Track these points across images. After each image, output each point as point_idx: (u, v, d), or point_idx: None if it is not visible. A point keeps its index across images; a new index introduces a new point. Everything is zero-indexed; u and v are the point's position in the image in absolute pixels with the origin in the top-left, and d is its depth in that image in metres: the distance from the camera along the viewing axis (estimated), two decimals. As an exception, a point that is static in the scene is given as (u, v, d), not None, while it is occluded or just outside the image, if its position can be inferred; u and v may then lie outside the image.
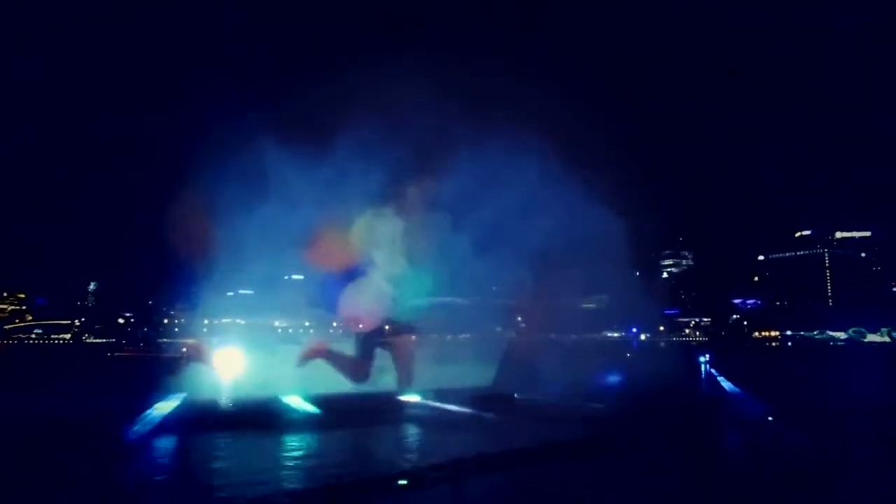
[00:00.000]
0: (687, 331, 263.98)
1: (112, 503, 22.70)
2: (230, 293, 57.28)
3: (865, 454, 30.47)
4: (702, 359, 64.07)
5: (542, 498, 22.87)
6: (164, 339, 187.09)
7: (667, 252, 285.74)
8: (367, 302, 52.77)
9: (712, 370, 59.77)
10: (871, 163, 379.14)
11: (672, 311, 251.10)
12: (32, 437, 31.48)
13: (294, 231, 52.37)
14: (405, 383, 48.90)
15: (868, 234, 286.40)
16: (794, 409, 40.75)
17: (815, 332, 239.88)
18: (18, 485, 23.72)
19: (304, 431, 35.95)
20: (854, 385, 60.05)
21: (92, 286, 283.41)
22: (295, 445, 32.81)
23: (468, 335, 66.07)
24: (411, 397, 45.43)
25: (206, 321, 68.88)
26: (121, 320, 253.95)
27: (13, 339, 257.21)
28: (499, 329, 69.56)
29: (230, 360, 50.94)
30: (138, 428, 32.91)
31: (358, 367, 50.59)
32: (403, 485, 22.54)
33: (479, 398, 43.36)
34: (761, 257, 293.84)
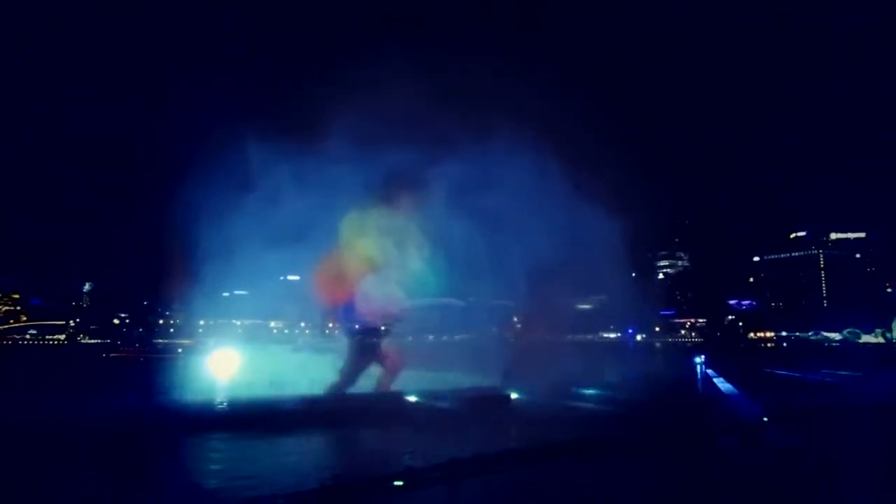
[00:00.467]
0: (683, 332, 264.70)
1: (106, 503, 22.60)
2: (226, 294, 57.12)
3: (855, 453, 30.63)
4: (697, 360, 64.12)
5: (536, 499, 22.88)
6: (160, 340, 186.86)
7: (663, 253, 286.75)
8: (364, 304, 52.61)
9: (708, 371, 59.90)
10: (865, 164, 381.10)
11: (668, 312, 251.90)
12: (25, 439, 31.29)
13: (290, 231, 52.29)
14: (386, 384, 48.68)
15: (863, 235, 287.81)
16: (789, 410, 40.90)
17: (810, 333, 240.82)
18: (8, 488, 23.58)
19: (297, 431, 35.89)
20: (850, 385, 60.22)
21: (87, 287, 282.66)
22: (290, 445, 32.77)
23: (464, 336, 66.10)
24: (409, 397, 45.39)
25: (201, 322, 68.78)
26: (116, 321, 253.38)
27: (7, 340, 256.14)
28: (495, 330, 69.54)
29: (226, 360, 50.86)
30: (133, 428, 32.82)
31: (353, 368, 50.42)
32: (398, 486, 22.50)
33: (475, 398, 43.36)
34: (757, 258, 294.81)
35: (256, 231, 50.95)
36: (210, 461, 29.14)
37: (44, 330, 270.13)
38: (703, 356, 65.78)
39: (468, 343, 63.73)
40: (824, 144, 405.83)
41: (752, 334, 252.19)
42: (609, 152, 63.82)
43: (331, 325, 63.69)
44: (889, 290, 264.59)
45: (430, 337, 58.93)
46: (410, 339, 57.24)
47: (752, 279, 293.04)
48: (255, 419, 37.33)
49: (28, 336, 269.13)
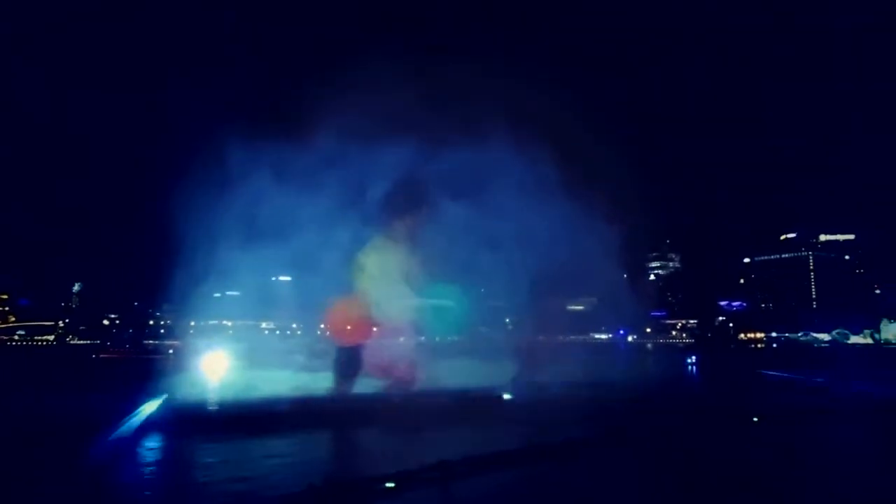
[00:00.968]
0: (674, 333, 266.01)
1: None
2: (217, 294, 56.88)
3: (842, 452, 30.91)
4: (688, 360, 64.58)
5: (529, 499, 22.95)
6: (151, 341, 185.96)
7: (654, 254, 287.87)
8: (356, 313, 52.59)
9: (698, 371, 60.28)
10: (855, 167, 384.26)
11: (659, 313, 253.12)
12: (8, 441, 31.05)
13: (283, 231, 52.19)
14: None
15: (852, 236, 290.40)
16: (778, 409, 41.21)
17: (799, 334, 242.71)
18: None
19: (289, 432, 35.82)
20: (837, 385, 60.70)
21: (76, 287, 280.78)
22: (281, 447, 32.68)
23: (455, 337, 66.12)
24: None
25: (192, 323, 68.44)
26: (106, 322, 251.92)
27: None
28: (486, 330, 69.59)
29: (217, 362, 50.68)
30: (120, 431, 32.59)
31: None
32: (390, 487, 22.50)
33: (467, 399, 43.40)
34: (747, 260, 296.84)
35: (248, 231, 50.83)
36: (199, 463, 29.02)
37: (32, 331, 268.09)
38: (693, 357, 66.21)
39: (460, 344, 63.79)
40: (814, 147, 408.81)
41: (742, 335, 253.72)
42: (601, 154, 63.91)
43: (323, 326, 63.59)
44: (878, 291, 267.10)
45: (422, 338, 58.87)
46: (401, 340, 57.25)
47: (742, 280, 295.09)
48: (245, 420, 37.24)
49: (16, 337, 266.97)
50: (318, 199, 53.47)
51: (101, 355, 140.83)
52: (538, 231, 57.30)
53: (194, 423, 36.20)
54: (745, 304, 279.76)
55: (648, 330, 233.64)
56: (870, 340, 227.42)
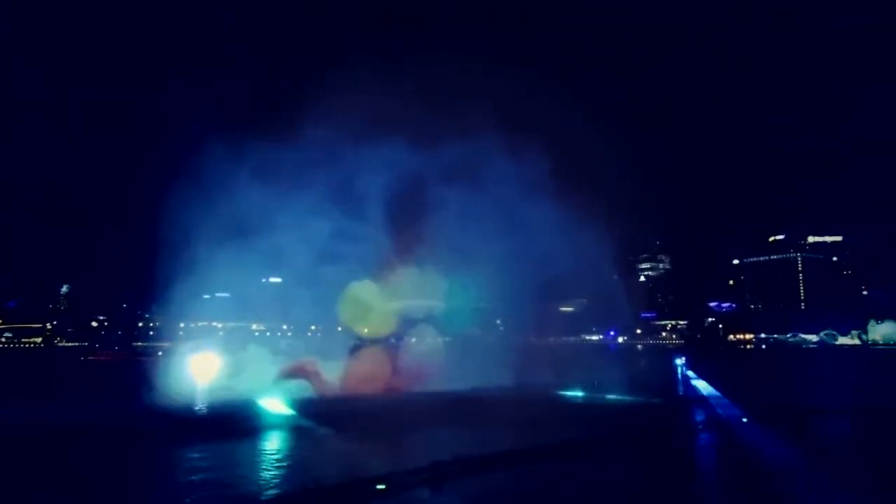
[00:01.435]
0: (664, 334, 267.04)
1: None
2: (207, 296, 56.61)
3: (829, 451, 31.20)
4: (678, 361, 64.80)
5: (516, 499, 23.01)
6: (140, 343, 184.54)
7: (644, 256, 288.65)
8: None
9: (689, 372, 60.50)
10: (843, 168, 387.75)
11: (649, 315, 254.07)
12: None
13: (273, 233, 52.07)
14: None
15: (839, 238, 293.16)
16: (767, 410, 41.45)
17: (788, 335, 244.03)
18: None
19: (281, 435, 35.69)
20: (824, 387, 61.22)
21: (64, 289, 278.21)
22: (273, 448, 32.57)
23: (448, 339, 66.09)
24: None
25: (182, 324, 68.06)
26: (94, 324, 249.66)
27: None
28: (478, 332, 69.64)
29: (206, 363, 50.38)
30: (111, 432, 32.39)
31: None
32: (381, 489, 22.47)
33: (458, 401, 43.43)
34: (736, 261, 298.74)
35: (238, 233, 50.66)
36: (191, 464, 28.85)
37: (19, 333, 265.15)
38: (683, 358, 66.42)
39: (453, 345, 63.80)
40: (802, 149, 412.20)
41: (731, 336, 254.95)
42: (592, 157, 64.17)
43: (313, 328, 63.43)
44: (865, 292, 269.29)
45: (413, 339, 58.91)
46: (393, 341, 57.25)
47: (731, 282, 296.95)
48: (234, 422, 37.07)
49: (3, 339, 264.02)
50: (309, 200, 53.42)
51: (90, 358, 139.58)
52: (530, 233, 57.46)
53: (186, 424, 36.11)
54: (734, 306, 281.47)
55: (639, 331, 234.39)
56: (857, 342, 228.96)
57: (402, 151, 54.27)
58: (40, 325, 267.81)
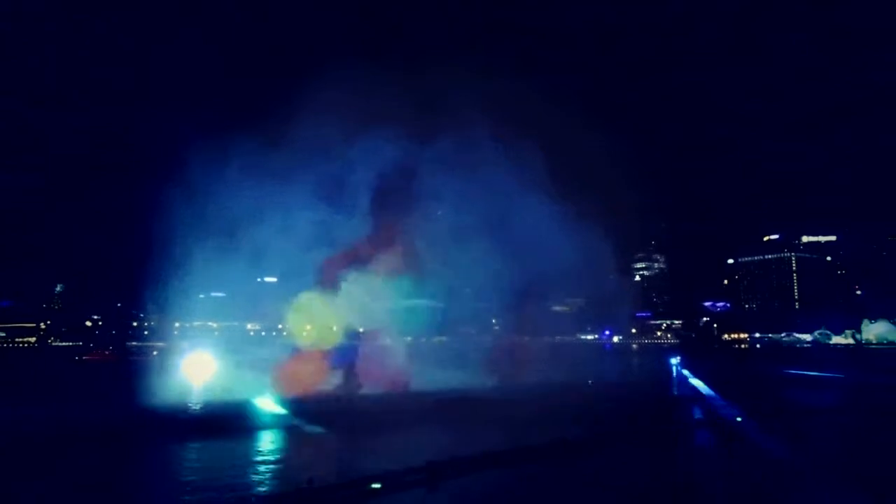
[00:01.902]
0: (659, 333, 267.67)
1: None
2: (201, 295, 56.43)
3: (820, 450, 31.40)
4: (673, 361, 65.03)
5: (509, 499, 23.07)
6: (135, 343, 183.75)
7: (639, 255, 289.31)
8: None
9: (684, 372, 60.75)
10: (836, 169, 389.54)
11: (644, 314, 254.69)
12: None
13: (267, 233, 51.95)
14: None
15: (833, 238, 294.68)
16: (760, 410, 41.63)
17: (782, 335, 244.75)
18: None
19: (273, 433, 35.66)
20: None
21: (58, 288, 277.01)
22: (266, 447, 32.55)
23: (443, 338, 66.14)
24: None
25: (177, 324, 67.83)
26: (89, 323, 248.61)
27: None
28: (473, 332, 69.69)
29: (201, 363, 50.29)
30: (104, 432, 32.30)
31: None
32: (376, 488, 22.46)
33: (445, 401, 43.49)
34: (731, 261, 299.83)
35: (233, 233, 50.53)
36: (185, 464, 28.80)
37: (13, 332, 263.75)
38: (678, 357, 66.63)
39: (447, 345, 63.83)
40: (797, 149, 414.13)
41: (726, 336, 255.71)
42: (586, 158, 64.27)
43: (308, 328, 63.30)
44: (859, 292, 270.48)
45: (408, 339, 58.88)
46: (388, 341, 57.15)
47: (726, 281, 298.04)
48: (228, 422, 37.04)
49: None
50: (302, 199, 53.35)
51: (84, 357, 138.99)
52: (525, 233, 57.51)
53: (177, 425, 36.00)
54: (728, 305, 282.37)
55: (634, 330, 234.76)
56: (851, 341, 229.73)
57: (396, 151, 54.27)
58: (34, 325, 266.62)
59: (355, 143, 54.20)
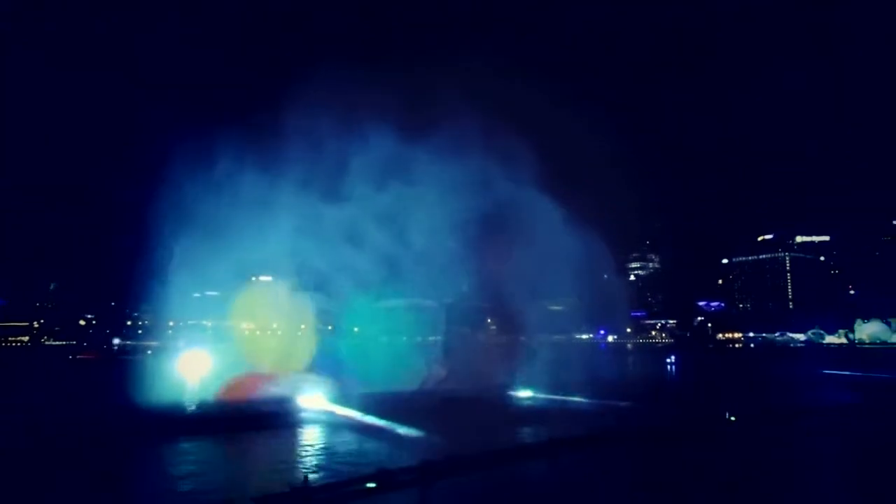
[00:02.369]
0: (653, 332, 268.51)
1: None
2: (196, 294, 56.24)
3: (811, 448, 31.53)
4: (668, 360, 65.27)
5: (504, 497, 23.09)
6: (128, 342, 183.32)
7: (634, 255, 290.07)
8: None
9: (678, 371, 60.87)
10: (830, 169, 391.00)
11: (639, 314, 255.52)
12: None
13: (262, 232, 51.84)
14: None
15: (827, 238, 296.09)
16: (753, 410, 41.84)
17: (776, 334, 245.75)
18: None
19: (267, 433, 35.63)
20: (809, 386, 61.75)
21: (52, 287, 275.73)
22: (259, 447, 32.52)
23: (437, 338, 66.05)
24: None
25: (171, 323, 67.53)
26: (82, 322, 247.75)
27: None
28: (468, 331, 69.72)
29: (196, 362, 50.06)
30: (98, 432, 32.17)
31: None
32: (371, 487, 22.46)
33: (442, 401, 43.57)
34: (725, 260, 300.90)
35: (227, 231, 50.40)
36: (180, 464, 28.73)
37: (6, 332, 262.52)
38: (672, 356, 66.83)
39: (442, 345, 63.80)
40: (790, 149, 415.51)
41: (720, 335, 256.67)
42: (581, 157, 64.30)
43: (303, 326, 63.18)
44: (852, 291, 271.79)
45: (403, 338, 58.91)
46: (385, 340, 57.15)
47: (720, 281, 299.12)
48: (222, 421, 36.97)
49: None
50: (296, 198, 53.26)
51: (78, 356, 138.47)
52: (520, 232, 57.52)
53: (173, 424, 35.94)
54: (723, 305, 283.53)
55: (629, 330, 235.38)
56: (844, 340, 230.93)
57: (392, 149, 54.21)
58: (27, 324, 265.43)
59: (351, 141, 54.16)
